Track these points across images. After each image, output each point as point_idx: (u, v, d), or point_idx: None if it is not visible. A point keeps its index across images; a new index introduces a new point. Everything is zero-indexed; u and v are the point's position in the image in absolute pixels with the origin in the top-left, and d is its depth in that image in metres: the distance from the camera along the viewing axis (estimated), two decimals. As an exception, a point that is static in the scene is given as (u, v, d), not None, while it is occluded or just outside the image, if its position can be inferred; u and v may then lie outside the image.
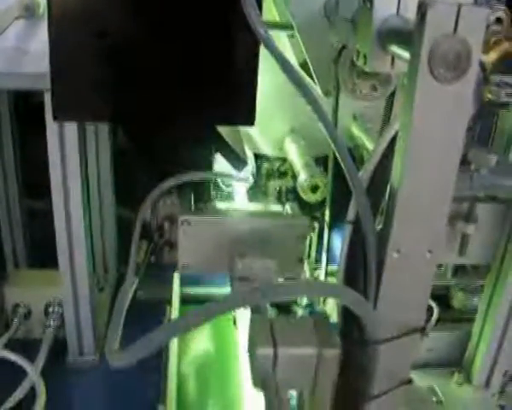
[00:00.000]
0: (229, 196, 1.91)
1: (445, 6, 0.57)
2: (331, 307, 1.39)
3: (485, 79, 0.87)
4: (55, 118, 0.95)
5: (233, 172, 1.49)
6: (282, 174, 2.00)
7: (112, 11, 0.91)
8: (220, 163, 1.56)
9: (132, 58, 0.95)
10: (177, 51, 0.95)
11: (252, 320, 0.79)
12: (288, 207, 1.73)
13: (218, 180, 1.90)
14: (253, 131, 1.84)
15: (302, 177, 1.57)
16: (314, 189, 1.56)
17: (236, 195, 1.80)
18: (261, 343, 0.71)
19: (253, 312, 0.91)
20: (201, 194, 1.40)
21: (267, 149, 1.94)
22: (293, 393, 0.79)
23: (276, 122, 1.81)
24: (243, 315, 1.32)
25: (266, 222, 1.03)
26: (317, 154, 1.73)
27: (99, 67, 0.93)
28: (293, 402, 0.78)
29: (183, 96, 0.99)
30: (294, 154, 1.74)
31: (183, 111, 1.01)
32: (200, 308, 0.60)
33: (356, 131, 1.67)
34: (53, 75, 0.91)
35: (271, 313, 1.66)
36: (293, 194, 1.87)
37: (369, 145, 1.53)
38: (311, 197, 1.57)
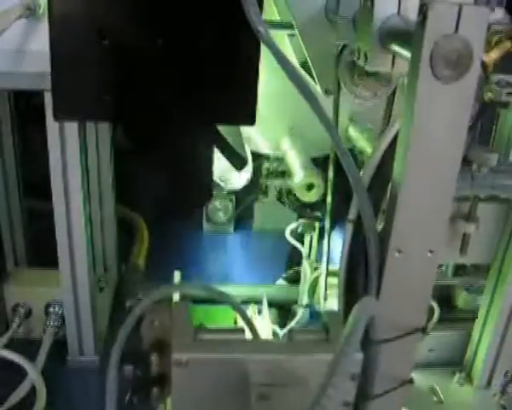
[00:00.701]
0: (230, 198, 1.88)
1: (447, 6, 0.57)
2: (332, 306, 1.39)
3: (486, 79, 0.87)
4: (55, 117, 0.95)
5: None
6: (282, 174, 2.00)
7: (112, 10, 0.91)
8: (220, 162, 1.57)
9: (133, 57, 0.95)
10: (178, 50, 0.95)
11: None
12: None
13: (218, 180, 1.90)
14: (252, 130, 1.84)
15: (297, 176, 1.57)
16: (309, 188, 1.55)
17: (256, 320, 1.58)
18: None
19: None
20: (200, 194, 1.37)
21: (266, 149, 1.95)
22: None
23: (274, 122, 1.81)
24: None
25: (294, 360, 0.72)
26: (315, 154, 1.73)
27: (99, 67, 0.93)
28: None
29: (183, 95, 0.99)
30: (291, 153, 1.74)
31: (183, 110, 1.00)
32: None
33: (352, 132, 1.67)
34: (54, 75, 0.91)
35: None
36: (293, 193, 1.87)
37: (366, 147, 1.53)
38: (306, 196, 1.56)
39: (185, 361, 0.70)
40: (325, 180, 1.47)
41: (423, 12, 0.58)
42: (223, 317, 1.56)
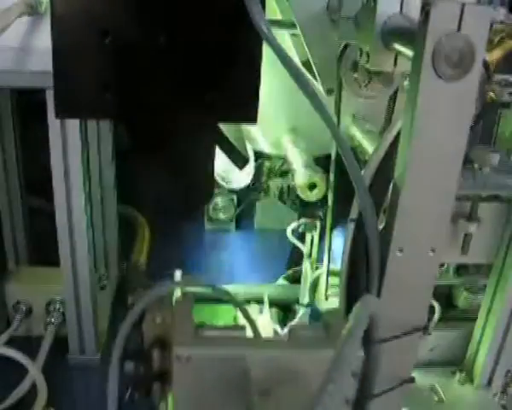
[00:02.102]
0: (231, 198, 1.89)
1: (449, 5, 0.57)
2: (333, 306, 1.39)
3: (488, 78, 0.87)
4: (57, 115, 0.95)
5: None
6: (284, 173, 2.01)
7: (114, 9, 0.91)
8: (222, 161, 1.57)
9: (134, 56, 0.95)
10: (180, 49, 0.95)
11: None
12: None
13: (218, 179, 1.90)
14: (253, 129, 1.84)
15: (300, 175, 1.57)
16: (311, 187, 1.56)
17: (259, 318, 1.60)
18: None
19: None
20: (204, 193, 1.38)
21: (267, 148, 1.95)
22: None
23: (276, 121, 1.81)
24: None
25: (295, 356, 0.74)
26: (317, 153, 1.73)
27: (101, 65, 0.93)
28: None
29: (185, 94, 0.99)
30: (293, 152, 1.74)
31: (185, 108, 1.00)
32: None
33: (355, 132, 1.67)
34: (55, 72, 0.91)
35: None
36: (294, 192, 1.87)
37: (368, 146, 1.53)
38: (308, 196, 1.56)
39: (187, 357, 0.70)
40: (327, 179, 1.47)
41: (426, 11, 0.58)
42: (223, 315, 1.57)
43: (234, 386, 0.72)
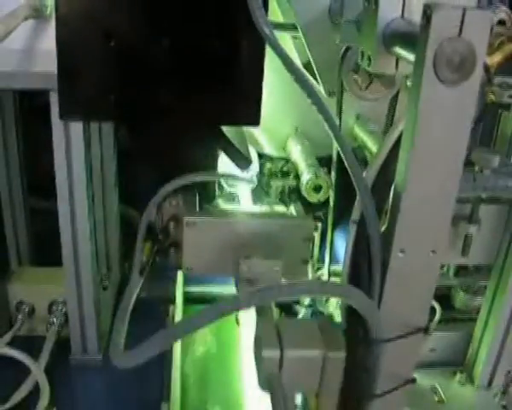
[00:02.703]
0: (233, 197, 1.91)
1: (450, 10, 0.58)
2: (334, 307, 1.40)
3: (489, 81, 0.88)
4: (61, 117, 0.96)
5: (237, 172, 1.49)
6: (285, 174, 2.01)
7: (118, 12, 0.92)
8: (225, 163, 1.57)
9: (137, 58, 0.96)
10: (183, 51, 0.95)
11: (257, 322, 0.79)
12: (292, 208, 1.73)
13: (222, 181, 1.90)
14: (256, 130, 1.84)
15: (305, 177, 1.58)
16: (317, 189, 1.56)
17: (241, 196, 1.79)
18: (267, 345, 0.71)
19: (257, 313, 0.91)
20: (207, 194, 1.41)
21: (270, 149, 1.95)
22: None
23: (279, 122, 1.81)
24: (246, 314, 1.32)
25: (271, 223, 1.02)
26: (321, 154, 1.74)
27: (105, 67, 0.94)
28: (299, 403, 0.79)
29: (188, 96, 0.99)
30: (298, 154, 1.74)
31: (187, 111, 1.01)
32: (203, 311, 0.61)
33: (358, 131, 1.68)
34: (60, 75, 0.92)
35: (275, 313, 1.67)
36: (295, 194, 1.88)
37: (372, 146, 1.54)
38: (314, 197, 1.57)
39: (193, 222, 1.00)
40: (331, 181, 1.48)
41: (427, 15, 0.58)
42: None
43: (226, 247, 0.99)
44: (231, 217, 1.05)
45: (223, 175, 1.34)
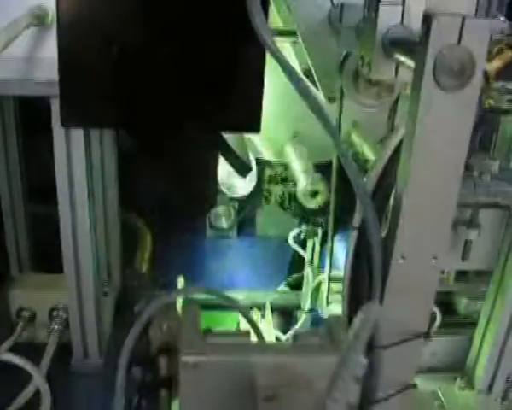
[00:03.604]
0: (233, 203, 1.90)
1: (450, 17, 0.59)
2: (335, 312, 1.40)
3: (488, 88, 0.88)
4: (63, 124, 0.97)
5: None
6: (285, 180, 2.01)
7: (119, 20, 0.93)
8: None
9: (139, 65, 0.96)
10: (183, 58, 0.96)
11: None
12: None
13: (221, 187, 1.91)
14: (255, 136, 1.85)
15: (302, 182, 1.58)
16: (314, 194, 1.57)
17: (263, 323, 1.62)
18: None
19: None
20: (206, 199, 1.39)
21: (269, 155, 1.95)
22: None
23: (278, 128, 1.82)
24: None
25: (301, 361, 0.74)
26: (318, 160, 1.74)
27: (106, 74, 0.95)
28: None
29: (188, 103, 1.00)
30: (295, 159, 1.75)
31: (188, 118, 1.02)
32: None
33: (356, 138, 1.68)
34: (62, 82, 0.92)
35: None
36: (295, 200, 1.88)
37: (369, 153, 1.54)
38: (310, 203, 1.57)
39: (193, 364, 0.71)
40: (329, 186, 1.48)
41: (427, 23, 0.59)
42: (225, 322, 1.57)
43: (240, 392, 0.73)
44: (244, 353, 0.75)
45: (223, 296, 1.01)
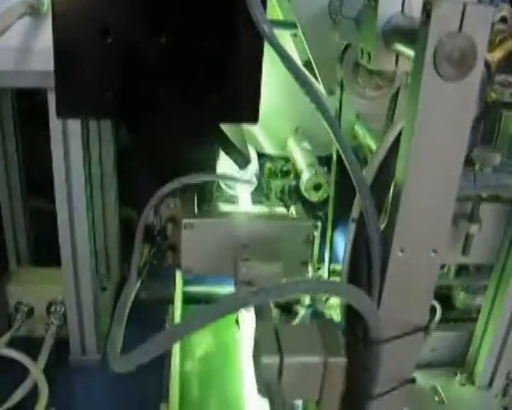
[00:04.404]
0: (232, 199, 1.90)
1: (451, 4, 0.57)
2: (334, 307, 1.39)
3: (490, 79, 0.87)
4: (58, 115, 0.95)
5: (237, 173, 1.48)
6: (285, 174, 2.00)
7: (115, 9, 0.91)
8: (224, 163, 1.56)
9: (135, 56, 0.95)
10: (181, 48, 0.95)
11: (257, 326, 0.78)
12: (292, 209, 1.72)
13: (221, 182, 1.90)
14: (255, 130, 1.84)
15: (305, 175, 1.57)
16: (317, 187, 1.56)
17: (240, 197, 1.78)
18: (266, 351, 0.70)
19: (256, 316, 0.90)
20: (205, 195, 1.40)
21: (270, 149, 1.95)
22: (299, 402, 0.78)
23: (279, 121, 1.81)
24: (246, 314, 1.32)
25: (271, 224, 1.02)
26: (321, 153, 1.74)
27: (103, 65, 0.93)
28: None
29: (186, 94, 0.99)
30: (298, 153, 1.74)
31: (186, 108, 1.00)
32: (202, 311, 0.60)
33: (359, 130, 1.67)
34: (57, 73, 0.91)
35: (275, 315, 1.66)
36: (295, 193, 1.87)
37: (373, 144, 1.53)
38: (313, 196, 1.57)
39: (191, 224, 0.99)
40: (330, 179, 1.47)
41: (427, 10, 0.58)
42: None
43: (225, 248, 0.98)
44: (230, 218, 1.05)
45: (222, 177, 1.33)
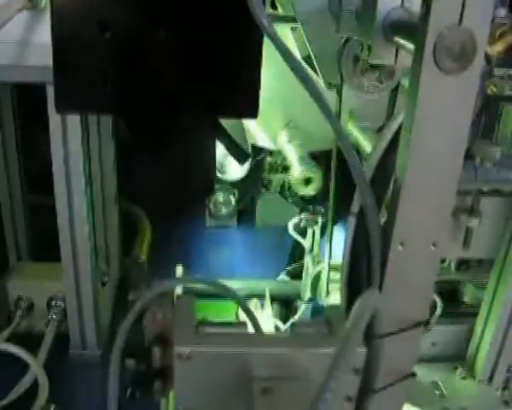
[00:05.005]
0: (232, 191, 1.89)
1: (451, -3, 0.57)
2: (335, 301, 1.39)
3: (490, 72, 0.87)
4: (57, 109, 0.95)
5: None
6: (285, 168, 2.00)
7: (114, 3, 0.91)
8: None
9: (135, 49, 0.95)
10: (180, 43, 0.94)
11: None
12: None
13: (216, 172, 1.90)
14: (251, 123, 1.83)
15: (295, 170, 1.57)
16: (307, 182, 1.56)
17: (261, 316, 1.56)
18: None
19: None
20: (206, 184, 1.36)
21: (268, 143, 1.94)
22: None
23: (271, 116, 1.80)
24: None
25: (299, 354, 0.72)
26: (313, 148, 1.73)
27: (102, 59, 0.93)
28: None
29: (185, 88, 0.98)
30: (288, 147, 1.73)
31: (185, 103, 1.00)
32: None
33: (351, 128, 1.67)
34: (55, 67, 0.91)
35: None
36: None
37: (364, 143, 1.53)
38: (303, 190, 1.57)
39: (187, 354, 0.69)
40: (322, 174, 1.47)
41: (427, 3, 0.57)
42: (224, 311, 1.56)
43: (235, 384, 0.71)
44: (239, 344, 0.73)
45: (213, 283, 0.98)
